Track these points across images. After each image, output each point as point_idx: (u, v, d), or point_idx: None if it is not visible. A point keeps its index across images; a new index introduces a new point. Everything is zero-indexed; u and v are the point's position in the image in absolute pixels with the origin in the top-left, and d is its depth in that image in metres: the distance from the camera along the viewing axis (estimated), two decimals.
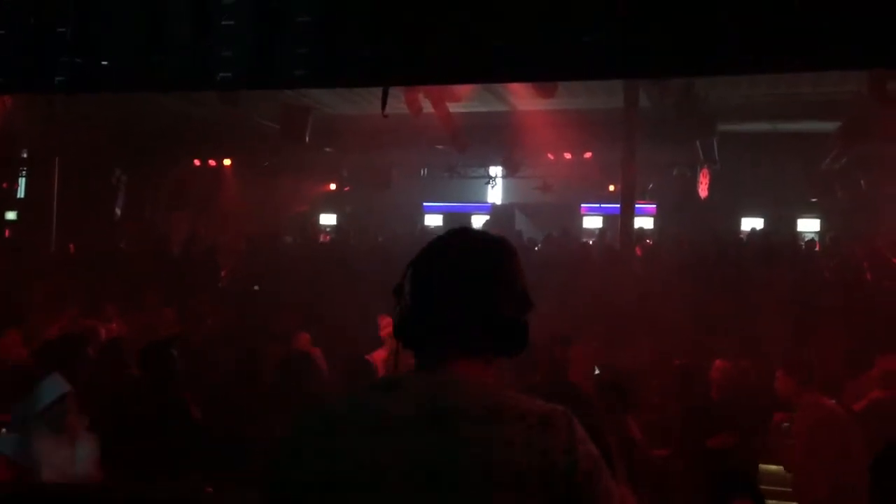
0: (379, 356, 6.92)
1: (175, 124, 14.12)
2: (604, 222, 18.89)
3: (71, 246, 13.17)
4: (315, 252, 14.04)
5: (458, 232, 1.76)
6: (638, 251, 12.59)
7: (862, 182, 15.18)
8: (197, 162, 17.12)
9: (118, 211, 16.30)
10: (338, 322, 8.53)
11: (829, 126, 13.50)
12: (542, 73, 3.40)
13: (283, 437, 1.61)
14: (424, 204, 20.47)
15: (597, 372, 6.59)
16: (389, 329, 7.12)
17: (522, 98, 12.82)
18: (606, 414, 4.63)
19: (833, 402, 5.38)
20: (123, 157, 15.52)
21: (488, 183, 18.95)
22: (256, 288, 11.09)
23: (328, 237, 17.99)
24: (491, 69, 3.25)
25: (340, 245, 14.99)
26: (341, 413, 1.57)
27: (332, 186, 19.65)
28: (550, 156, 16.08)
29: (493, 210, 20.15)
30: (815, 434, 5.02)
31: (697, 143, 13.51)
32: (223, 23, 3.38)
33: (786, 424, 5.71)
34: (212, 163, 17.20)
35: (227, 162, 17.26)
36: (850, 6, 2.82)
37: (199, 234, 14.68)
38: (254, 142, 15.23)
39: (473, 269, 1.66)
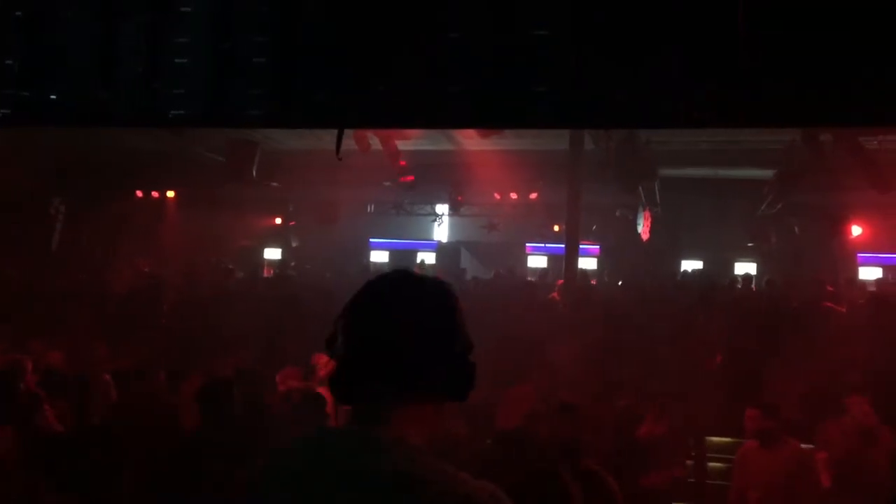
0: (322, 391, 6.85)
1: (118, 154, 13.87)
2: (548, 262, 19.10)
3: None
4: (260, 288, 13.88)
5: (393, 275, 1.69)
6: (555, 294, 12.78)
7: (796, 228, 15.70)
8: (139, 193, 16.83)
9: (55, 241, 15.88)
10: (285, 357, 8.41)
11: (766, 173, 13.97)
12: (493, 120, 3.47)
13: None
14: (371, 240, 20.44)
15: None
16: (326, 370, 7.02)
17: (470, 137, 12.99)
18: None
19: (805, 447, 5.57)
20: (62, 187, 15.16)
21: (435, 220, 19.04)
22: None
23: (271, 271, 17.80)
24: (443, 115, 3.30)
25: (284, 280, 14.81)
26: (270, 465, 1.58)
27: (278, 221, 19.49)
28: (497, 195, 16.28)
29: (440, 248, 20.24)
30: (796, 478, 5.15)
31: (639, 186, 13.83)
32: (176, 61, 3.37)
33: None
34: (155, 194, 16.94)
35: (170, 194, 17.01)
36: (790, 66, 2.96)
37: (142, 269, 14.38)
38: (199, 174, 15.06)
39: (415, 310, 1.58)
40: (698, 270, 16.48)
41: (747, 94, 2.99)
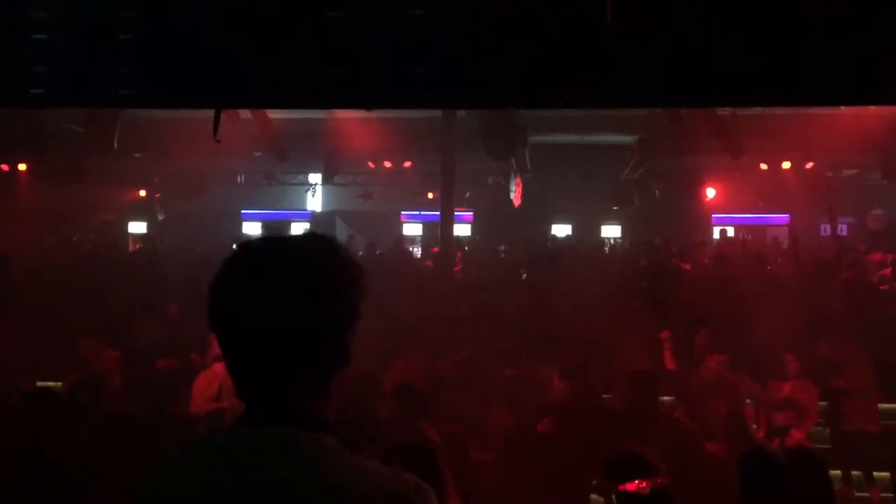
0: (220, 367, 6.35)
1: None
2: (423, 229, 19.29)
3: None
4: (121, 263, 13.30)
5: (263, 243, 1.46)
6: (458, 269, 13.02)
7: (656, 191, 16.49)
8: None
9: None
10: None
11: (630, 139, 14.58)
12: (371, 101, 3.47)
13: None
14: (242, 211, 19.93)
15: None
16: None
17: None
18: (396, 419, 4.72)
19: None
20: None
21: (308, 190, 18.80)
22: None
23: (138, 245, 17.08)
24: (322, 96, 3.28)
25: (150, 255, 14.23)
26: (168, 481, 1.37)
27: (143, 193, 18.66)
28: (371, 164, 16.22)
29: (314, 218, 20.01)
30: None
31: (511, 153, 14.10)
32: (35, 37, 3.18)
33: None
34: (4, 167, 15.80)
35: (22, 166, 15.90)
36: (655, 51, 3.12)
37: None
38: (55, 145, 14.12)
39: (292, 286, 1.39)
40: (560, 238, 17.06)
41: (615, 77, 3.14)
